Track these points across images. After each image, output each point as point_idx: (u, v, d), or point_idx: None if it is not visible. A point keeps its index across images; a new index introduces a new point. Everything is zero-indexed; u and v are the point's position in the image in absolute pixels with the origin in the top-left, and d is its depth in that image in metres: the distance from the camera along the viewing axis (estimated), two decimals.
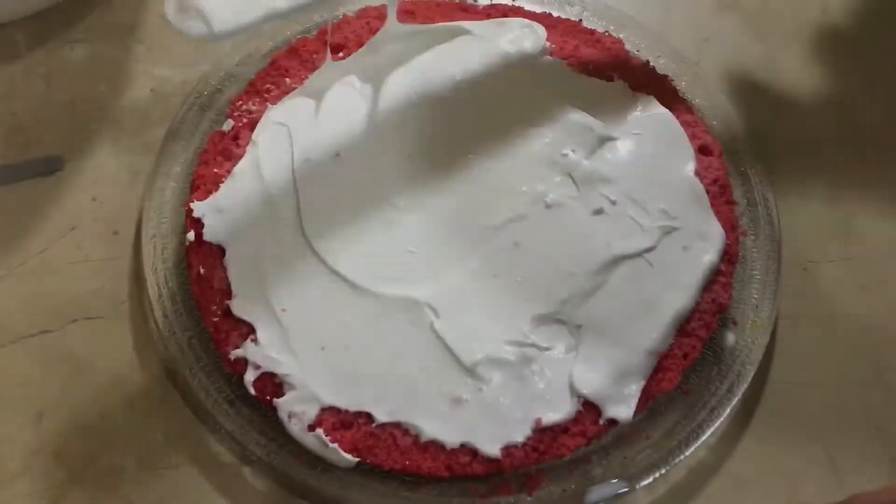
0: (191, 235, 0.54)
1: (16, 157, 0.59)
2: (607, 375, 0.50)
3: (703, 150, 0.58)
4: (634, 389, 0.50)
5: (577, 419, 0.50)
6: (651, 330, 0.51)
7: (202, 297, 0.52)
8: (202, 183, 0.56)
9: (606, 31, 0.63)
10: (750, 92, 0.65)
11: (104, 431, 0.52)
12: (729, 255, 0.54)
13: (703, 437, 0.51)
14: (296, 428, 0.49)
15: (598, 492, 0.49)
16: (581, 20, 0.63)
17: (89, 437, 0.52)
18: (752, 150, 0.60)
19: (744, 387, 0.52)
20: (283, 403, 0.49)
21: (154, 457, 0.51)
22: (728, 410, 0.52)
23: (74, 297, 0.55)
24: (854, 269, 0.59)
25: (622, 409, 0.50)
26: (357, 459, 0.49)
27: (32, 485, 0.50)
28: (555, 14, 0.64)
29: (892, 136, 0.63)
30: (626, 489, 0.50)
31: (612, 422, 0.50)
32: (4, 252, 0.56)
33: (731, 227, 0.55)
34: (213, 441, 0.51)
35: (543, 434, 0.49)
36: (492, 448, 0.49)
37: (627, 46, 0.62)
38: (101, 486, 0.50)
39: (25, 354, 0.53)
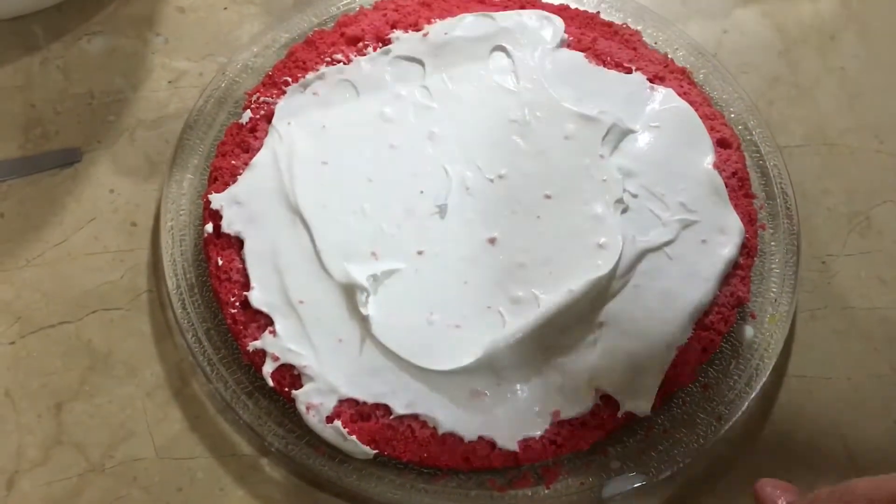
0: (209, 227, 0.54)
1: (34, 148, 0.59)
2: (625, 369, 0.50)
3: (721, 143, 0.57)
4: (652, 383, 0.50)
5: (594, 412, 0.50)
6: (669, 324, 0.51)
7: (220, 288, 0.52)
8: (220, 175, 0.56)
9: (624, 23, 0.63)
10: (769, 84, 0.65)
11: (123, 422, 0.52)
12: (747, 249, 0.54)
13: (721, 431, 0.51)
14: (314, 419, 0.49)
15: (615, 485, 0.50)
16: (599, 12, 0.63)
17: (108, 428, 0.52)
18: (771, 143, 0.59)
19: (762, 381, 0.52)
20: (302, 395, 0.49)
21: (172, 447, 0.52)
22: (746, 404, 0.51)
23: (93, 288, 0.55)
24: (873, 262, 0.59)
25: (640, 403, 0.50)
26: (375, 451, 0.49)
27: (52, 474, 0.51)
28: (573, 6, 0.63)
29: None
30: (643, 482, 0.49)
31: (630, 415, 0.50)
32: (23, 243, 0.57)
33: (749, 220, 0.55)
34: (231, 432, 0.52)
35: (561, 427, 0.49)
36: (510, 441, 0.49)
37: (645, 38, 0.62)
38: (120, 476, 0.51)
39: (45, 345, 0.54)
